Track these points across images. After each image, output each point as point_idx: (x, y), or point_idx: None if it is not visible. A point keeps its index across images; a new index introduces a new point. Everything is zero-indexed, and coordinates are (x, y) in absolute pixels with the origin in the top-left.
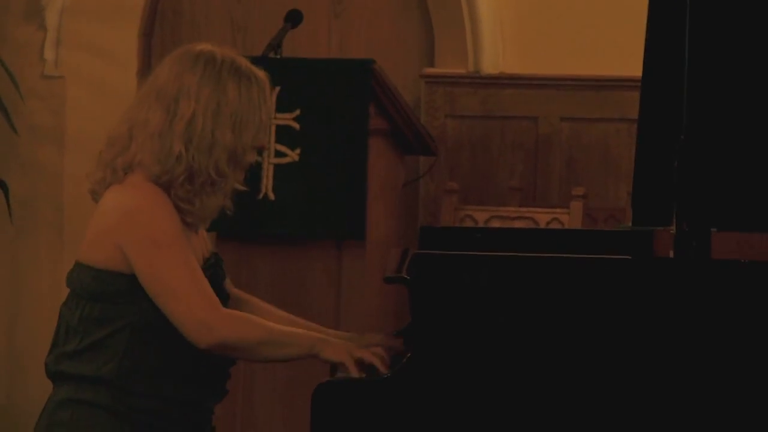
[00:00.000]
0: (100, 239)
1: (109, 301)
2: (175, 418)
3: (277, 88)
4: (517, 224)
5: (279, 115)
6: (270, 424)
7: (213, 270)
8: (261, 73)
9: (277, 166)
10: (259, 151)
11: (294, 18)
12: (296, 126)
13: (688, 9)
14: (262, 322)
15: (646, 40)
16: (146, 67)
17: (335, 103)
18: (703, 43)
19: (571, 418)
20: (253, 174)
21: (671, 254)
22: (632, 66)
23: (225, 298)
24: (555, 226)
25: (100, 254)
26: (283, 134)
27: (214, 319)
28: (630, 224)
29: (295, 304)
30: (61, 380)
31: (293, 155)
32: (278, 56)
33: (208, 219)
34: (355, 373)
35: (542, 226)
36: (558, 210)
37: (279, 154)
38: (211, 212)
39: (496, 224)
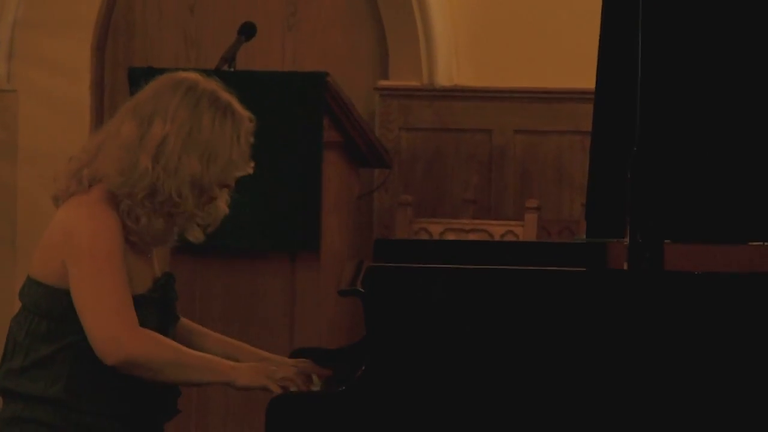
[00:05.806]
0: (48, 255)
1: (56, 319)
2: None
3: None
4: (472, 237)
5: None
6: None
7: (162, 291)
8: (245, 114)
9: None
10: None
11: (248, 31)
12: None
13: (640, 21)
14: (175, 345)
15: (599, 52)
16: (99, 80)
17: (289, 115)
18: (655, 55)
19: (529, 428)
20: None
21: (625, 266)
22: (585, 78)
23: (174, 320)
24: (509, 238)
25: (48, 271)
26: None
27: (126, 335)
28: (584, 236)
29: (249, 317)
30: (9, 397)
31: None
32: (232, 69)
33: (152, 243)
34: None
35: (497, 238)
36: (512, 222)
37: None
38: (155, 236)
39: (450, 237)
